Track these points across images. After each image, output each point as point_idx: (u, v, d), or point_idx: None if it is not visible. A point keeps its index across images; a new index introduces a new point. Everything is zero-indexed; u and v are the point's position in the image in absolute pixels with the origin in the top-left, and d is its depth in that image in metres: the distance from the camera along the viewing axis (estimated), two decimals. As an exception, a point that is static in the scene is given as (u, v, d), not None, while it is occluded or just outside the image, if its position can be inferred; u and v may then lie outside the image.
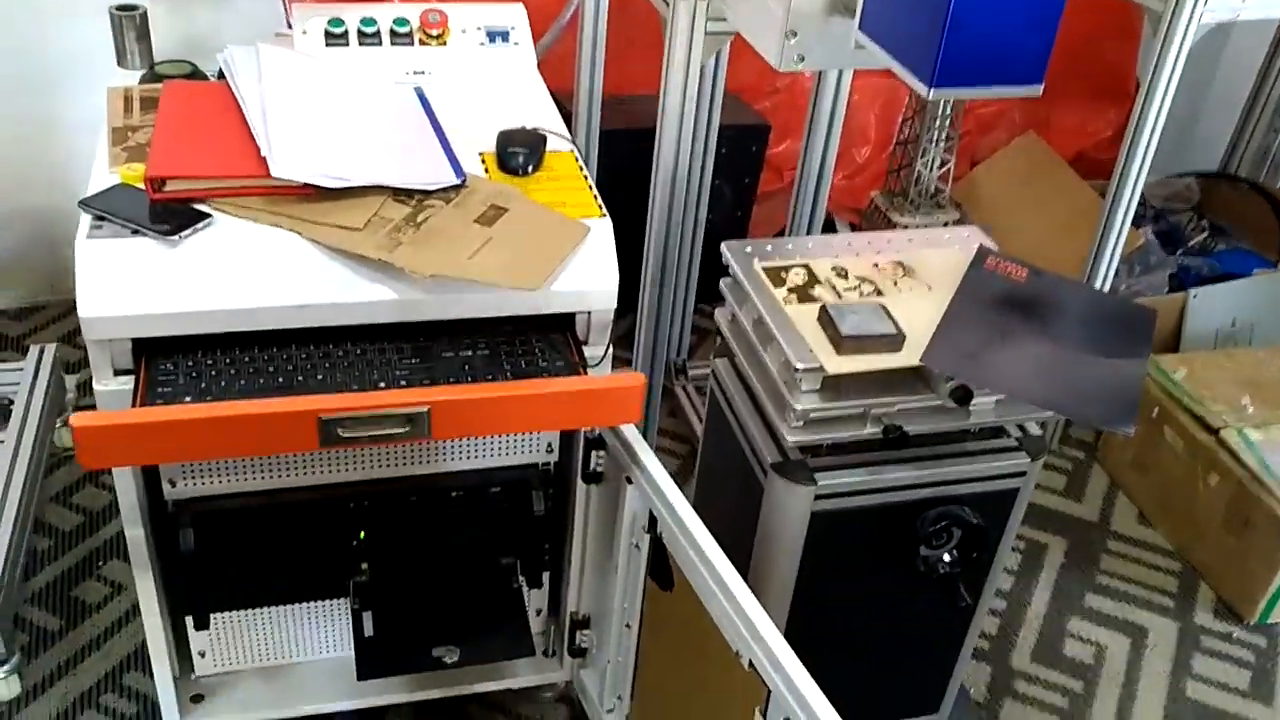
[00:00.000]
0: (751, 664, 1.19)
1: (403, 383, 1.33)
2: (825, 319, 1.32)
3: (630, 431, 1.42)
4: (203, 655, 1.68)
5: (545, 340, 1.41)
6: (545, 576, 1.72)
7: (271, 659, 1.71)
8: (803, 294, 1.39)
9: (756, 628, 1.18)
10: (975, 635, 1.59)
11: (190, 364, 1.33)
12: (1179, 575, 2.18)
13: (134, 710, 1.76)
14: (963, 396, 1.29)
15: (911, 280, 1.44)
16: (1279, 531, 2.02)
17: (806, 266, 1.44)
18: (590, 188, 1.51)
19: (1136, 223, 2.70)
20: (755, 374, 1.40)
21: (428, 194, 1.42)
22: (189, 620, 1.60)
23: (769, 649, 1.16)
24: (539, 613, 1.77)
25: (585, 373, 1.40)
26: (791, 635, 1.46)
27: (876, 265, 1.46)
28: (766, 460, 1.36)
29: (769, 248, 1.47)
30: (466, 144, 1.54)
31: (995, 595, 2.09)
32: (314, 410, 1.24)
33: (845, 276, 1.43)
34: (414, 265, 1.30)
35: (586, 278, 1.40)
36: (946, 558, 1.40)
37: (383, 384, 1.33)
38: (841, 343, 1.29)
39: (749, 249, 1.46)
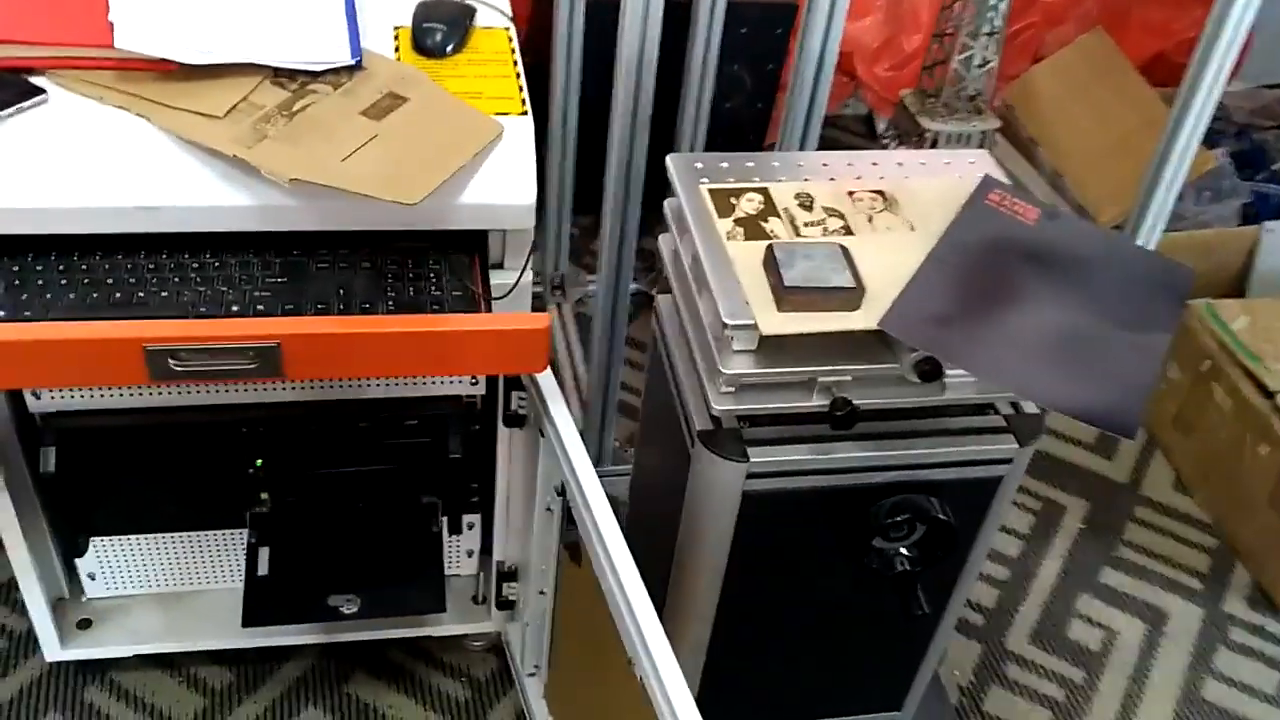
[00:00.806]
0: (642, 679, 0.99)
1: (260, 307, 1.12)
2: (770, 263, 1.08)
3: (544, 377, 1.19)
4: (92, 578, 1.52)
5: (446, 263, 1.18)
6: (476, 520, 1.53)
7: (167, 585, 1.54)
8: (752, 228, 1.14)
9: (646, 639, 0.97)
10: (944, 639, 1.36)
11: (14, 270, 1.12)
12: (1213, 553, 1.93)
13: (24, 627, 1.61)
14: (930, 372, 1.05)
15: (891, 216, 1.17)
16: (1333, 516, 1.76)
17: (764, 192, 1.18)
18: (518, 75, 1.26)
19: (1211, 141, 2.38)
20: (690, 323, 1.16)
21: (316, 76, 1.19)
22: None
23: (655, 665, 0.95)
24: (470, 554, 1.58)
25: (487, 306, 1.17)
26: (722, 625, 1.26)
27: (852, 194, 1.19)
28: (695, 426, 1.13)
29: (724, 164, 1.21)
30: (380, 15, 1.30)
31: (997, 562, 1.86)
32: (138, 338, 1.03)
33: (810, 207, 1.17)
34: (272, 166, 1.07)
35: (498, 189, 1.16)
36: (905, 552, 1.17)
37: (236, 307, 1.12)
38: (783, 295, 1.04)
39: (699, 164, 1.20)
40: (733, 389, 1.08)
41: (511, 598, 1.49)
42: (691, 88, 1.84)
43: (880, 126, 2.51)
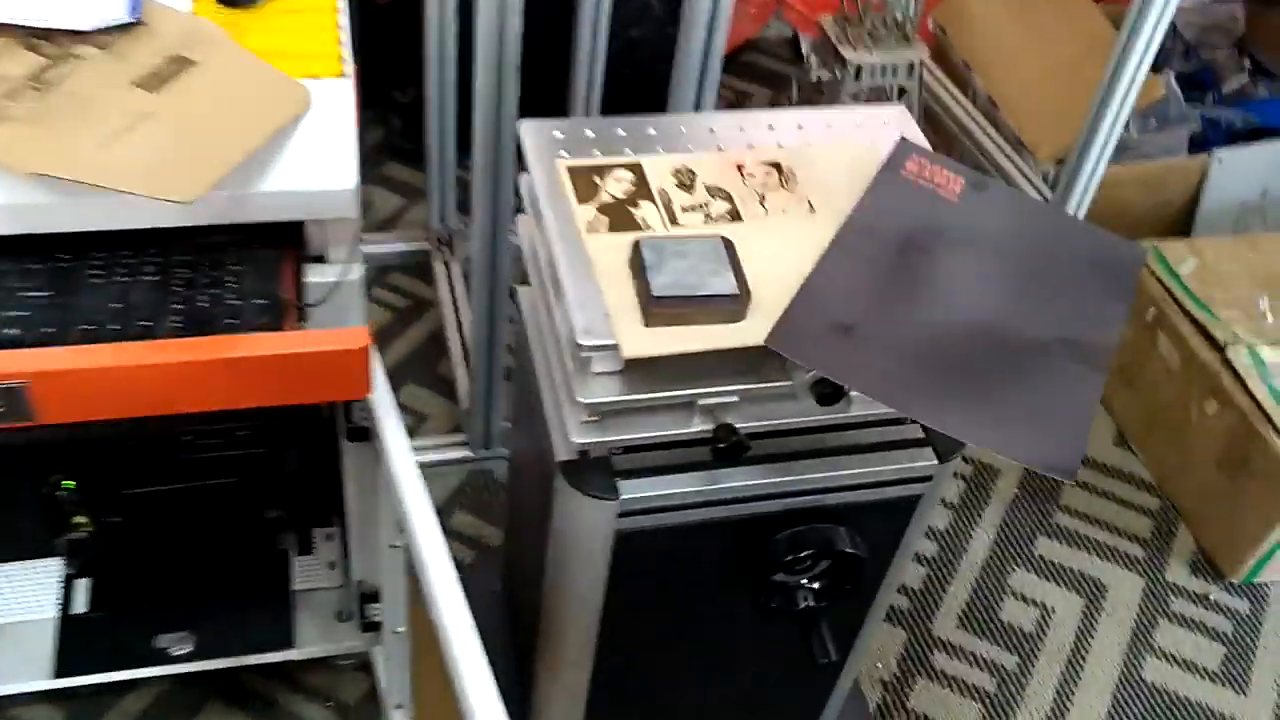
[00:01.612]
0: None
1: (11, 332, 0.91)
2: (636, 264, 0.88)
3: (378, 398, 1.00)
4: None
5: (250, 262, 0.98)
6: (336, 531, 1.35)
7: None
8: (619, 216, 0.94)
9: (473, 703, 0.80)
10: (855, 668, 1.21)
11: None
12: (1155, 516, 1.79)
13: None
14: (830, 395, 0.87)
15: (787, 195, 0.98)
16: (1283, 480, 1.62)
17: (636, 169, 0.98)
18: (339, 26, 1.04)
19: (1158, 62, 2.19)
20: (548, 332, 0.97)
21: (81, 36, 0.96)
22: None
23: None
24: (332, 566, 1.40)
25: (301, 315, 0.97)
26: (602, 672, 1.10)
27: (741, 168, 1.00)
28: (555, 455, 0.95)
29: (589, 132, 1.01)
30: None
31: (926, 537, 1.72)
32: None
33: (690, 186, 0.97)
34: (6, 156, 0.86)
35: (310, 172, 0.96)
36: (809, 586, 1.00)
37: (-13, 331, 0.91)
38: (651, 307, 0.85)
39: (558, 132, 1.00)
40: (595, 417, 0.89)
41: (375, 619, 1.32)
42: (589, 11, 1.62)
43: (805, 48, 2.30)
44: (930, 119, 2.07)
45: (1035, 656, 1.60)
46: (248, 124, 0.93)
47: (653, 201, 0.96)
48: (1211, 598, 1.70)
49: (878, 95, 1.86)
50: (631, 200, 0.96)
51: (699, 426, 0.90)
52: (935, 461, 0.99)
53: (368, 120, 2.26)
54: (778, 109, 1.08)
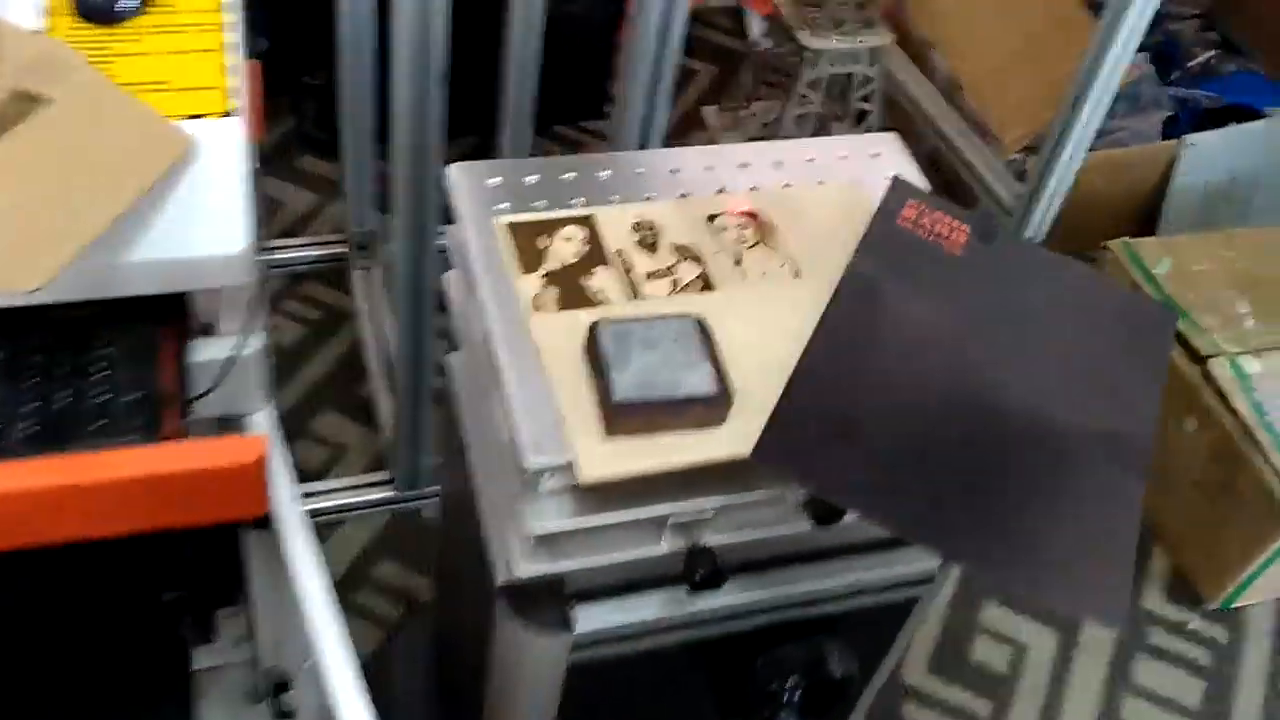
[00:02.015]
0: None
1: None
2: (594, 355, 0.73)
3: (281, 504, 0.84)
4: None
5: (121, 343, 0.80)
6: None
7: None
8: (571, 286, 0.78)
9: None
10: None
11: None
12: (1129, 537, 1.69)
13: None
14: (826, 515, 0.72)
15: (767, 253, 0.83)
16: (1267, 503, 1.52)
17: (589, 223, 0.82)
18: (225, 46, 0.86)
19: (1128, 42, 2.07)
20: (486, 422, 0.81)
21: (-102, 67, 0.77)
22: None
23: None
24: (238, 643, 1.24)
25: (184, 408, 0.80)
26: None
27: (713, 220, 0.84)
28: (495, 576, 0.79)
29: (531, 177, 0.84)
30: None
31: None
32: None
33: (653, 246, 0.82)
34: None
35: (191, 234, 0.78)
36: (787, 715, 0.87)
37: None
38: (614, 415, 0.70)
39: (494, 179, 0.84)
40: (539, 546, 0.74)
41: (289, 709, 1.16)
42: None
43: (755, 29, 2.13)
44: (888, 103, 1.92)
45: (1011, 700, 1.49)
46: (113, 180, 0.75)
47: (610, 267, 0.80)
48: (1190, 626, 1.61)
49: (838, 86, 1.71)
50: (585, 265, 0.80)
51: (669, 547, 0.76)
52: (938, 561, 0.86)
53: (277, 107, 2.05)
54: (746, 145, 0.92)
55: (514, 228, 0.81)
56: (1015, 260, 0.86)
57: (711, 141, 1.84)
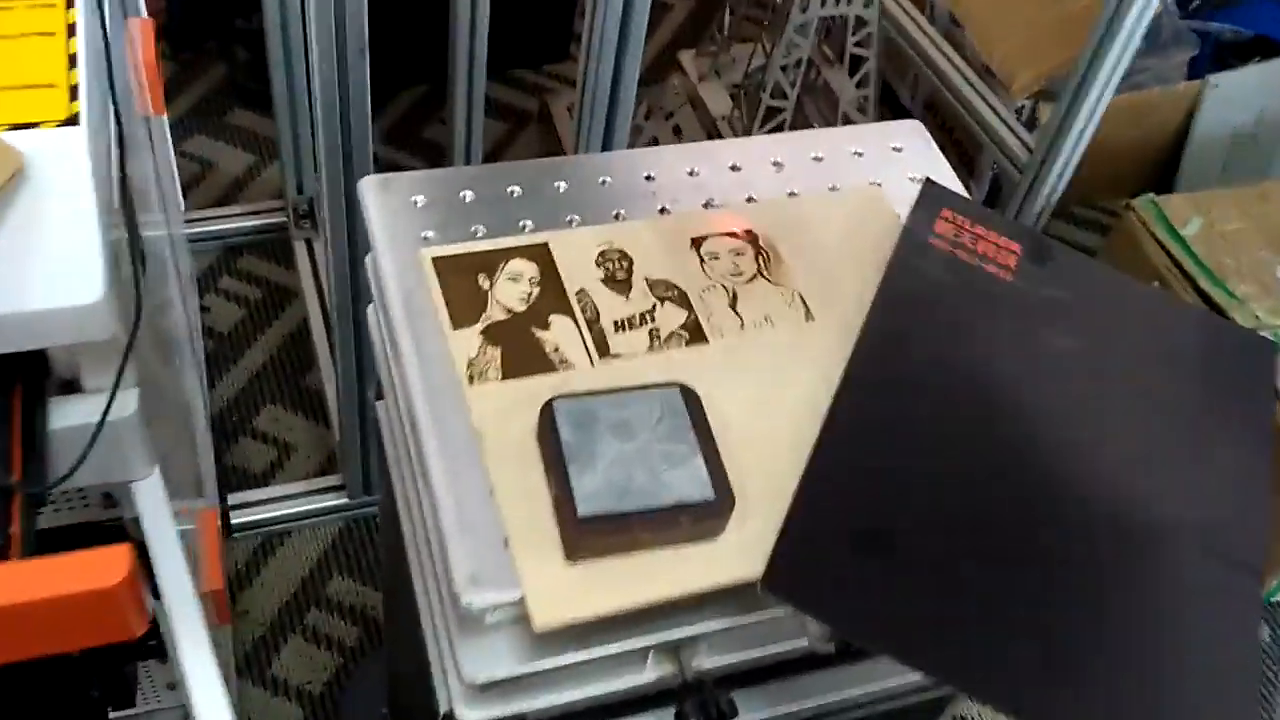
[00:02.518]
0: None
1: None
2: (549, 446, 0.55)
3: (172, 599, 0.67)
4: None
5: (-57, 424, 0.63)
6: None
7: None
8: (518, 344, 0.61)
9: None
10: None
11: None
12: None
13: None
14: (857, 651, 0.56)
15: (769, 289, 0.66)
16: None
17: (542, 255, 0.64)
18: (67, 31, 0.67)
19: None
20: (419, 521, 0.64)
21: None
22: None
23: None
24: (172, 687, 1.09)
25: (35, 501, 0.63)
26: None
27: (700, 245, 0.67)
28: (438, 702, 0.63)
29: (467, 193, 0.66)
30: None
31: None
32: None
33: (625, 282, 0.64)
34: None
35: (26, 281, 0.60)
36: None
37: None
38: (577, 535, 0.53)
39: (418, 197, 0.66)
40: (482, 690, 0.57)
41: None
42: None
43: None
44: (885, 46, 1.73)
45: None
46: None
47: (570, 315, 0.62)
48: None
49: (832, 30, 1.52)
50: (537, 314, 0.62)
51: (655, 675, 0.59)
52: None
53: (206, 54, 1.84)
54: (745, 141, 0.75)
55: (445, 264, 0.63)
56: (1076, 287, 0.69)
57: (691, 95, 1.64)
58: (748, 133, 1.50)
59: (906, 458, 0.58)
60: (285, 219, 1.62)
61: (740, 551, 0.55)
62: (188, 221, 1.63)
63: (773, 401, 0.60)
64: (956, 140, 1.81)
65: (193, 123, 1.77)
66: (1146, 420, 0.64)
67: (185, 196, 1.70)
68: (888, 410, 0.60)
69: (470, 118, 1.28)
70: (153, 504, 0.72)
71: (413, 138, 1.82)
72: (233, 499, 1.38)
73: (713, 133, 1.60)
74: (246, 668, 1.29)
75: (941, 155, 0.74)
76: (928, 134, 0.76)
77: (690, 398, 0.58)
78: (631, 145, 1.30)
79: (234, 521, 1.37)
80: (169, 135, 1.40)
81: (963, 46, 1.76)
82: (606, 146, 1.13)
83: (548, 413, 0.56)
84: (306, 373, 1.50)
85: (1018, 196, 1.57)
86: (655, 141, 1.68)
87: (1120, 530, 0.58)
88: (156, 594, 0.69)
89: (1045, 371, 0.64)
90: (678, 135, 1.67)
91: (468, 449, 0.57)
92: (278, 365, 1.51)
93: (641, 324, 0.63)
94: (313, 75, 0.93)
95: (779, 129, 1.51)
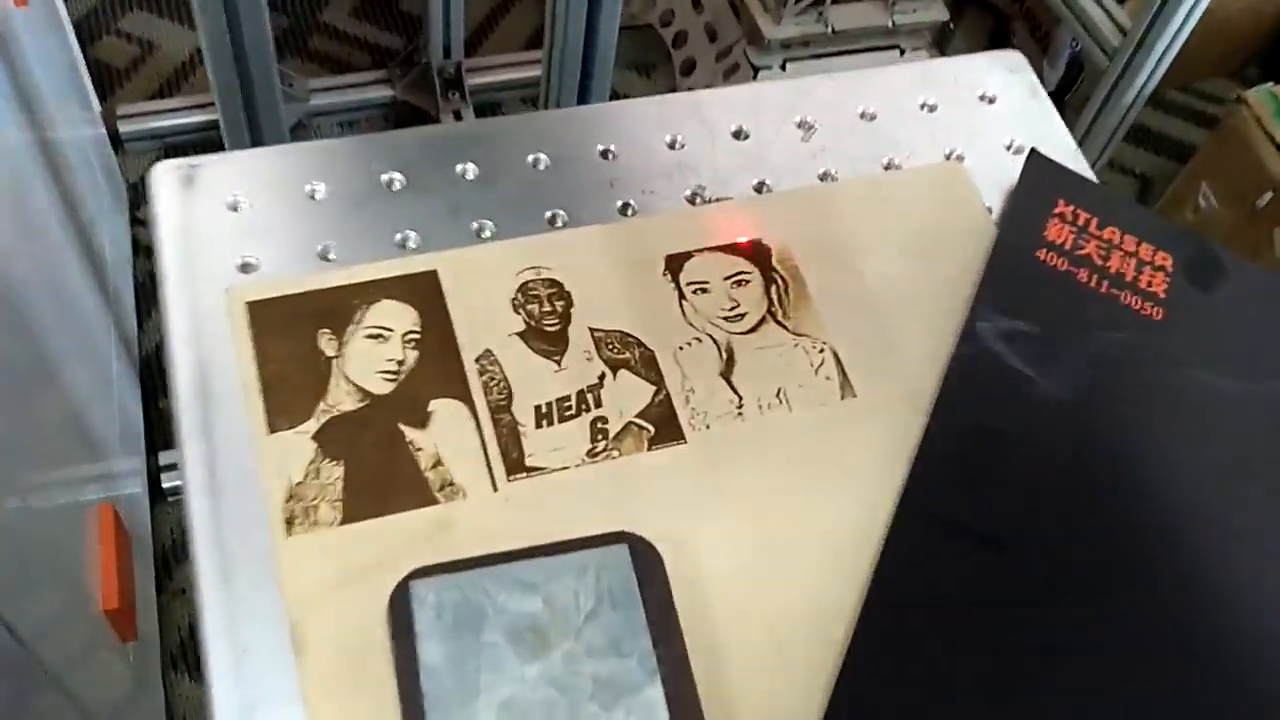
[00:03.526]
0: None
1: None
2: (404, 688, 0.33)
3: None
4: None
5: None
6: None
7: None
8: (375, 456, 0.37)
9: None
10: None
11: None
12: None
13: None
14: None
15: (787, 341, 0.42)
16: None
17: (424, 290, 0.40)
18: None
19: None
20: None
21: None
22: None
23: None
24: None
25: None
26: None
27: (677, 270, 0.43)
28: None
29: (316, 185, 0.42)
30: None
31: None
32: None
33: (556, 338, 0.40)
34: None
35: None
36: None
37: None
38: None
39: (237, 193, 0.42)
40: None
41: None
42: None
43: None
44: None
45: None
46: None
47: (464, 399, 0.39)
48: None
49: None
50: (412, 400, 0.39)
51: None
52: None
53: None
54: (756, 86, 0.49)
55: (267, 313, 0.39)
56: (1257, 325, 0.45)
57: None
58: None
59: (995, 627, 0.35)
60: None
61: None
62: (120, 118, 1.39)
63: (787, 555, 0.37)
64: (1027, 10, 1.52)
65: (127, -8, 1.51)
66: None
67: (120, 85, 1.45)
68: (963, 570, 0.36)
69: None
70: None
71: (387, 14, 1.55)
72: (167, 458, 1.17)
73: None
74: (182, 657, 1.10)
75: (1056, 112, 0.49)
76: (1032, 72, 0.50)
77: (646, 564, 0.35)
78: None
79: (167, 486, 1.17)
80: (46, 29, 1.14)
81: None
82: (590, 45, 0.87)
83: (401, 605, 0.33)
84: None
85: (1105, 84, 1.29)
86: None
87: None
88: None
89: (1215, 447, 0.40)
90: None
91: (276, 654, 0.34)
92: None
93: (580, 410, 0.39)
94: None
95: (818, 2, 1.22)
